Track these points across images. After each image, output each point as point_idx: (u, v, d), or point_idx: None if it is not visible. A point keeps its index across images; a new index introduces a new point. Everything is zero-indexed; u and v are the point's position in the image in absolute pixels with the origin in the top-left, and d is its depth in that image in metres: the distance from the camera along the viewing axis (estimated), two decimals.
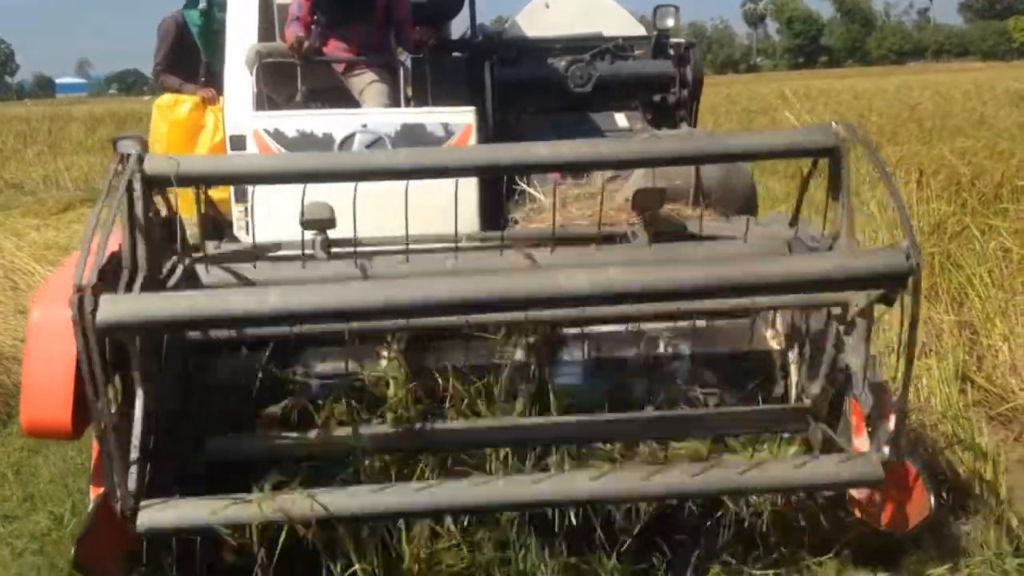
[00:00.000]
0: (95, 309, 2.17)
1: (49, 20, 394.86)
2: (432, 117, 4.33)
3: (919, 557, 2.86)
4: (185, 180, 2.65)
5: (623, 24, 5.51)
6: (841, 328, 2.72)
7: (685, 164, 3.21)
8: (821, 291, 2.67)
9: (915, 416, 3.85)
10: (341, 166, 2.83)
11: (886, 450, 2.53)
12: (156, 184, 2.62)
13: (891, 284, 2.41)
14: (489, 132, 4.81)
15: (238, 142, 4.29)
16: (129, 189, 2.50)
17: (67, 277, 2.22)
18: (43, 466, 3.84)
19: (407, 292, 2.31)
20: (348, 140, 4.21)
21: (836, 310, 2.75)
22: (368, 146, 4.15)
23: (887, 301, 2.53)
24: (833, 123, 2.74)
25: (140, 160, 2.54)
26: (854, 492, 2.76)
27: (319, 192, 2.87)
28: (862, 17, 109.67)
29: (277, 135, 4.19)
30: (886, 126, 13.93)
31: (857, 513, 2.78)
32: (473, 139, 4.27)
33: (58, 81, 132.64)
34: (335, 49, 4.83)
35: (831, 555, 2.85)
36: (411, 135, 4.21)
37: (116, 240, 2.49)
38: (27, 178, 14.25)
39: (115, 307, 2.22)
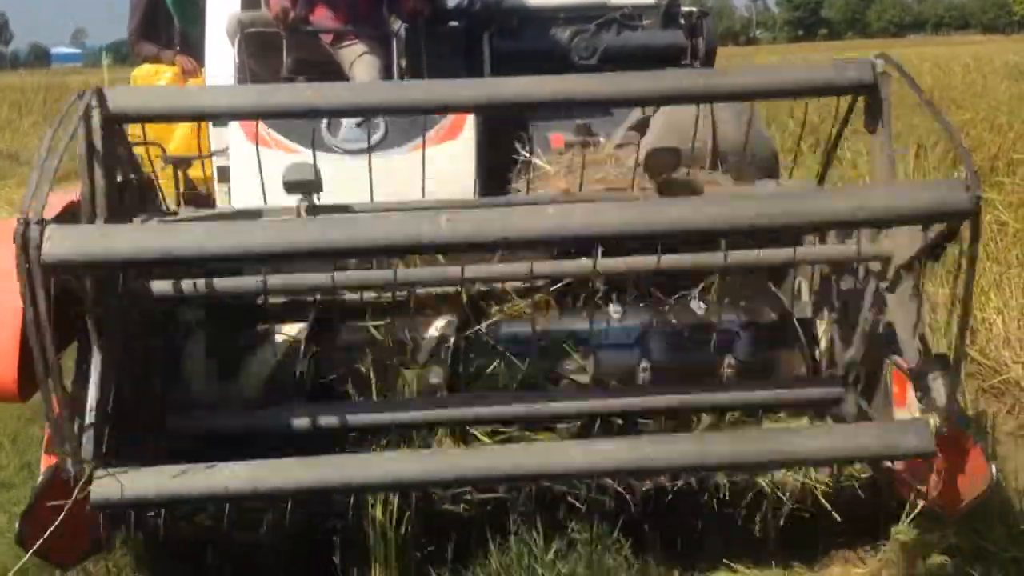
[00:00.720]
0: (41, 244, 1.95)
1: None
2: None
3: (907, 525, 2.87)
4: (150, 117, 2.58)
5: None
6: (883, 285, 2.56)
7: (692, 102, 2.98)
8: (875, 226, 2.47)
9: None
10: (317, 102, 2.50)
11: (933, 419, 2.31)
12: (119, 121, 2.46)
13: (951, 220, 2.22)
14: None
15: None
16: (88, 122, 2.33)
17: (9, 226, 2.00)
18: (40, 435, 3.85)
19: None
20: None
21: (875, 267, 2.58)
22: (359, 124, 3.90)
23: (935, 254, 2.37)
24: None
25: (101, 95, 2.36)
26: (900, 468, 2.54)
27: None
28: None
29: None
30: None
31: (904, 493, 2.55)
32: (471, 115, 3.97)
33: (53, 51, 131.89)
34: (323, 18, 4.57)
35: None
36: None
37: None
38: (23, 148, 14.22)
39: (66, 240, 2.01)
